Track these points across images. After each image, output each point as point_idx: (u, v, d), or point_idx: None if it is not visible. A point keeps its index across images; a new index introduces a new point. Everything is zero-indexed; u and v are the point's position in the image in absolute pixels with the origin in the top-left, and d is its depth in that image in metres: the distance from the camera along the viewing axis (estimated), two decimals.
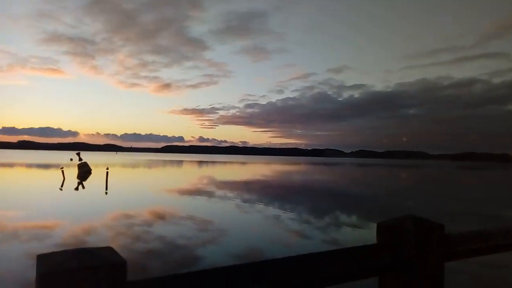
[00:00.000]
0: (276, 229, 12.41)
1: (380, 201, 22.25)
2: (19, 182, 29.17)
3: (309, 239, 11.24)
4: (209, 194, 22.06)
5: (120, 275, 1.15)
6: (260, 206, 17.58)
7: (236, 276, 1.40)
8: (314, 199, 21.89)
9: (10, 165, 57.03)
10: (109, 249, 1.27)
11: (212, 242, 10.34)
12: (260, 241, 10.63)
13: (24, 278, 7.14)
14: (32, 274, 7.46)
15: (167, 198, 20.31)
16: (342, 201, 21.40)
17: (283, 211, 16.25)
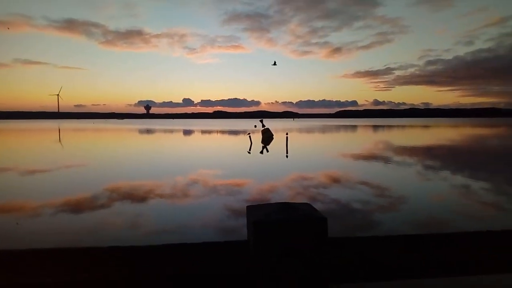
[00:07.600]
0: (463, 200, 11.11)
1: None
2: (216, 146, 34.35)
3: (508, 212, 9.69)
4: (386, 160, 21.22)
5: (323, 231, 1.24)
6: (444, 174, 15.99)
7: None
8: None
9: (209, 131, 67.72)
10: (308, 205, 1.36)
11: (389, 208, 10.02)
12: (444, 211, 9.73)
13: (223, 225, 8.47)
14: (228, 222, 8.76)
15: (342, 163, 20.50)
16: None
17: (473, 180, 14.37)
